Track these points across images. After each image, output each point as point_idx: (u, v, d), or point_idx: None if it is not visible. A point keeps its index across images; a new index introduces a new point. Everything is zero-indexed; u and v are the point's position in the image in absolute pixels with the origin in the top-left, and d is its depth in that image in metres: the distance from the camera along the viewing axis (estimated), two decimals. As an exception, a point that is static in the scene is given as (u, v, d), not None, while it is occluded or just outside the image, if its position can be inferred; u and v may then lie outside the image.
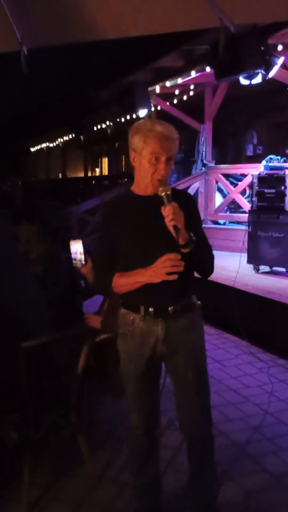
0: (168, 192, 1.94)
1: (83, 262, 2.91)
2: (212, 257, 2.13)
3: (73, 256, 2.94)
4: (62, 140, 15.42)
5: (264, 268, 6.06)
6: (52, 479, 2.66)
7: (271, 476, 2.69)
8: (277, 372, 4.10)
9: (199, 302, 2.13)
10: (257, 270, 6.02)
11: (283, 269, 5.86)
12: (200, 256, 2.05)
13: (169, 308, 2.02)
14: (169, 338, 2.05)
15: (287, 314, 4.50)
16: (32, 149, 18.12)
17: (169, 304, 2.03)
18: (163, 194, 1.94)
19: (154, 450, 2.28)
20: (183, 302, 2.07)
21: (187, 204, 2.05)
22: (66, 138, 14.80)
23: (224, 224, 8.36)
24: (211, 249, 2.14)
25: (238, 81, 5.92)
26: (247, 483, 2.60)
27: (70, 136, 14.09)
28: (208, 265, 2.12)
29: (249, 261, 6.02)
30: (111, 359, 2.93)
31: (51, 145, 17.66)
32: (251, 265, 6.00)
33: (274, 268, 5.99)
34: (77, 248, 2.93)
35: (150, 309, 2.02)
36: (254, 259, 5.95)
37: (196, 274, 2.14)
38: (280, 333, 4.57)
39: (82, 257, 2.91)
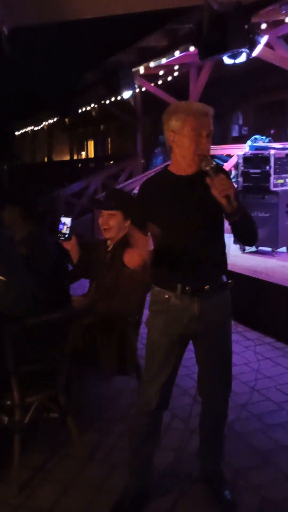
0: (213, 165, 1.98)
1: (66, 236, 2.92)
2: (256, 226, 2.16)
3: (60, 227, 2.93)
4: (47, 123, 15.22)
5: (250, 248, 6.10)
6: (43, 460, 2.68)
7: (258, 454, 2.73)
8: (263, 350, 4.16)
9: (230, 281, 2.20)
10: (243, 250, 6.05)
11: (269, 249, 5.90)
12: (247, 223, 2.09)
13: (206, 287, 2.08)
14: (203, 316, 2.12)
15: (274, 293, 4.55)
16: (17, 133, 17.89)
17: (206, 283, 2.09)
18: (207, 168, 1.98)
19: (156, 431, 2.33)
20: (218, 281, 2.14)
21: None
22: (51, 121, 14.61)
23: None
24: (253, 218, 2.17)
25: (223, 62, 5.88)
26: (235, 461, 2.64)
27: (55, 119, 13.92)
28: (254, 232, 2.17)
29: (235, 241, 6.03)
30: (100, 341, 2.94)
31: (36, 128, 17.43)
32: (238, 245, 6.02)
33: (260, 248, 6.02)
34: (66, 221, 2.94)
35: (187, 288, 2.08)
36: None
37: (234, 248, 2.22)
38: (266, 311, 4.62)
39: (68, 232, 2.92)
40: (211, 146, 2.12)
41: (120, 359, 2.96)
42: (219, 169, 2.00)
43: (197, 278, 2.09)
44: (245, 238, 2.24)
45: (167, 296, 2.13)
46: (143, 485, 2.34)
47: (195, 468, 2.51)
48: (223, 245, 2.17)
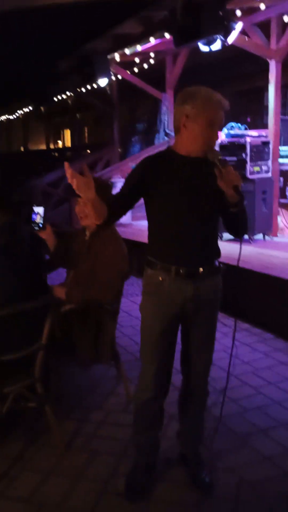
0: (220, 157, 1.99)
1: (40, 226, 2.91)
2: (247, 218, 2.20)
3: (33, 218, 2.92)
4: (22, 112, 15.00)
5: (227, 235, 6.12)
6: (21, 449, 2.67)
7: (236, 436, 2.78)
8: (241, 336, 4.20)
9: (222, 265, 2.25)
10: (220, 238, 6.08)
11: (245, 236, 5.95)
12: (243, 215, 2.12)
13: (200, 270, 2.12)
14: (197, 297, 2.15)
15: (250, 280, 4.60)
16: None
17: (199, 266, 2.12)
18: (215, 160, 1.98)
19: (159, 417, 2.36)
20: (211, 264, 2.17)
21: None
22: (26, 109, 14.41)
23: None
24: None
25: (199, 49, 5.87)
26: (213, 445, 2.67)
27: (31, 108, 13.73)
28: (246, 224, 2.21)
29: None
30: (77, 330, 2.93)
31: (11, 117, 17.17)
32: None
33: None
34: (39, 211, 2.92)
35: (181, 270, 2.10)
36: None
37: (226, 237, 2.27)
38: (243, 297, 4.66)
39: (41, 221, 2.91)
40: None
41: (98, 347, 2.96)
42: (225, 161, 2.00)
43: (192, 261, 2.12)
44: (238, 230, 2.24)
45: (161, 278, 2.13)
46: (151, 459, 2.41)
47: (174, 451, 2.54)
48: (217, 232, 2.22)
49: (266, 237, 6.23)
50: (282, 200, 6.45)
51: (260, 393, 3.26)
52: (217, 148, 6.06)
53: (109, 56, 7.81)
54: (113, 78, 8.96)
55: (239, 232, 2.23)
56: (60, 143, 20.92)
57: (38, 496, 2.32)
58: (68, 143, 19.63)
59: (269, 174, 6.10)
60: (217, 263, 2.23)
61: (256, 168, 5.91)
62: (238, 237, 2.22)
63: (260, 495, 2.31)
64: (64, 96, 10.90)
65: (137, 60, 8.52)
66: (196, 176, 2.08)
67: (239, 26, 5.28)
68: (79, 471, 2.49)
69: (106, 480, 2.42)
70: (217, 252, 2.23)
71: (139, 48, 7.29)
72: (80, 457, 2.61)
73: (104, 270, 2.89)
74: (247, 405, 3.11)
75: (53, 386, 2.92)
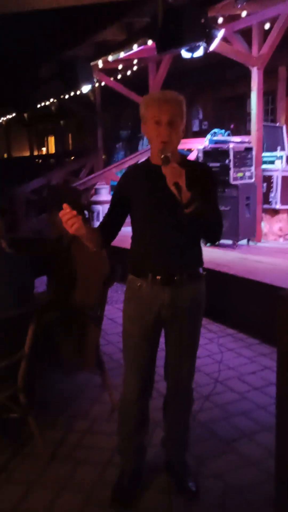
0: (168, 154, 1.95)
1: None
2: (219, 223, 2.10)
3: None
4: (5, 118, 14.91)
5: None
6: (4, 460, 2.63)
7: (222, 442, 2.77)
8: (226, 342, 4.21)
9: (204, 272, 2.22)
10: (205, 243, 6.10)
11: (229, 242, 5.98)
12: (206, 218, 2.01)
13: (176, 277, 2.09)
14: (174, 304, 2.13)
15: (235, 285, 4.61)
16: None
17: (176, 273, 2.10)
18: (162, 156, 1.95)
19: (143, 419, 2.34)
20: (190, 271, 2.14)
21: (202, 174, 2.11)
22: (9, 116, 14.32)
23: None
24: (220, 215, 2.11)
25: (181, 55, 5.89)
26: (198, 450, 2.66)
27: (14, 115, 13.65)
28: (214, 229, 2.11)
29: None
30: (60, 338, 2.90)
31: (-7, 123, 17.06)
32: (199, 239, 6.06)
33: (222, 241, 6.09)
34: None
35: (158, 277, 2.10)
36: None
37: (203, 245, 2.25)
38: (228, 303, 4.67)
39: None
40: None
41: (82, 355, 2.93)
42: (167, 158, 1.93)
43: (167, 268, 2.10)
44: (203, 236, 2.20)
45: (139, 284, 2.15)
46: (137, 466, 2.38)
47: (160, 459, 2.52)
48: (198, 238, 2.18)
49: (250, 242, 6.26)
50: (266, 206, 6.49)
51: (245, 398, 3.26)
52: (200, 154, 6.10)
53: (92, 63, 7.81)
54: (96, 84, 8.97)
55: (207, 238, 2.17)
56: (44, 150, 20.85)
57: (22, 508, 2.28)
58: (52, 150, 19.57)
59: (252, 180, 6.14)
60: (201, 270, 2.21)
61: (240, 174, 5.94)
62: (210, 242, 2.18)
63: (246, 500, 2.30)
64: (47, 103, 10.86)
65: (120, 66, 8.53)
66: (164, 182, 1.98)
67: (221, 33, 5.31)
68: (64, 482, 2.46)
69: (91, 489, 2.39)
70: (198, 258, 2.20)
71: (122, 54, 7.30)
72: (65, 467, 2.58)
73: (84, 272, 2.87)
74: (232, 410, 3.10)
75: (37, 394, 2.88)
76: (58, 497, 2.35)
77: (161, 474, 2.47)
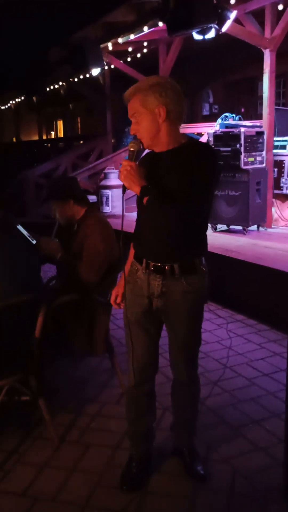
0: (132, 149, 2.03)
1: (34, 242, 2.89)
2: (172, 208, 1.94)
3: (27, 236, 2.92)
4: (14, 102, 14.83)
5: (221, 227, 6.12)
6: (15, 443, 2.66)
7: (230, 428, 2.78)
8: (235, 328, 4.21)
9: (204, 267, 2.15)
10: (214, 229, 6.08)
11: (240, 227, 5.95)
12: (156, 205, 1.96)
13: (166, 267, 2.08)
14: (165, 296, 2.12)
15: (245, 271, 4.59)
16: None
17: (166, 262, 2.08)
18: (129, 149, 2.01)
19: (149, 405, 2.35)
20: (183, 263, 2.08)
21: (198, 156, 2.01)
22: (18, 100, 14.25)
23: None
24: (192, 200, 1.95)
25: (193, 39, 5.80)
26: (207, 435, 2.68)
27: (23, 98, 13.59)
28: (165, 221, 1.99)
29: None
30: (70, 323, 2.92)
31: (2, 107, 16.99)
32: (209, 224, 6.05)
33: (232, 227, 6.07)
34: (21, 229, 2.90)
35: (150, 264, 2.11)
36: (212, 218, 5.98)
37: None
38: (237, 289, 4.66)
39: (31, 237, 2.90)
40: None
41: (92, 340, 2.95)
42: (129, 152, 2.03)
43: (158, 256, 2.09)
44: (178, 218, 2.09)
45: (136, 268, 2.19)
46: (145, 451, 2.40)
47: (169, 443, 2.54)
48: (196, 227, 2.08)
49: (260, 228, 6.22)
50: (276, 191, 6.43)
51: (254, 384, 3.26)
52: (211, 138, 6.04)
53: (101, 45, 7.72)
54: (106, 67, 8.88)
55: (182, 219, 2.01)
56: (53, 133, 20.77)
57: (32, 490, 2.32)
58: (61, 134, 19.49)
59: (263, 165, 6.08)
60: (201, 263, 2.13)
61: (250, 159, 5.88)
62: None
63: (254, 486, 2.31)
64: (56, 86, 10.79)
65: (130, 49, 8.42)
66: (158, 171, 2.03)
67: (233, 15, 5.21)
68: (74, 464, 2.49)
69: (100, 472, 2.42)
70: (194, 250, 2.12)
71: (132, 37, 7.20)
72: (75, 450, 2.61)
73: (91, 251, 2.88)
74: (241, 396, 3.11)
75: (47, 378, 2.91)
76: (68, 479, 2.38)
77: (170, 458, 2.49)
